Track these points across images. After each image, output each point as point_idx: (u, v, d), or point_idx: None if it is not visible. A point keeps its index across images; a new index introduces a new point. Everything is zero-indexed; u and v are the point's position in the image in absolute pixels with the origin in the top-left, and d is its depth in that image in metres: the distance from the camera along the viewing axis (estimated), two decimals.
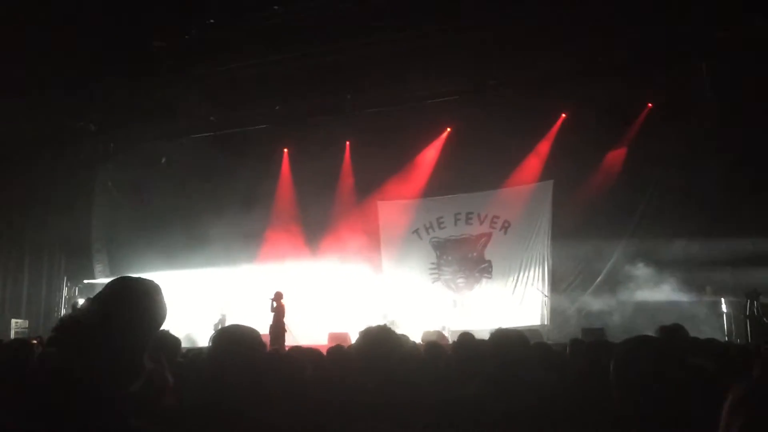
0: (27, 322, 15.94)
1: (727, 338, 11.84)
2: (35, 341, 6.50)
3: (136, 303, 1.88)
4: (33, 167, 14.86)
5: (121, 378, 1.77)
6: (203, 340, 13.63)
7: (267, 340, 13.03)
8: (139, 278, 1.98)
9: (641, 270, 13.44)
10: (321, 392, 2.21)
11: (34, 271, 17.07)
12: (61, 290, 17.19)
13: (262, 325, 13.50)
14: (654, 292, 13.12)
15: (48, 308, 16.93)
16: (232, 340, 2.55)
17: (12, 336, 13.61)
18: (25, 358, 3.90)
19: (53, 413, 1.62)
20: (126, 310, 1.85)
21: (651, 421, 2.17)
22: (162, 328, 4.60)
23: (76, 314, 1.98)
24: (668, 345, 2.42)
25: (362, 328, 3.46)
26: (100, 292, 1.91)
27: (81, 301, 16.19)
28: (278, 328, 13.61)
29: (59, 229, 16.28)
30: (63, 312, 16.46)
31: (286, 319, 14.07)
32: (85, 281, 16.86)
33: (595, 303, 13.77)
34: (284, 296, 14.09)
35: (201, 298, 15.95)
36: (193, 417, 2.19)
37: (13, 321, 15.51)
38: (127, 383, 1.79)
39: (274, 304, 13.79)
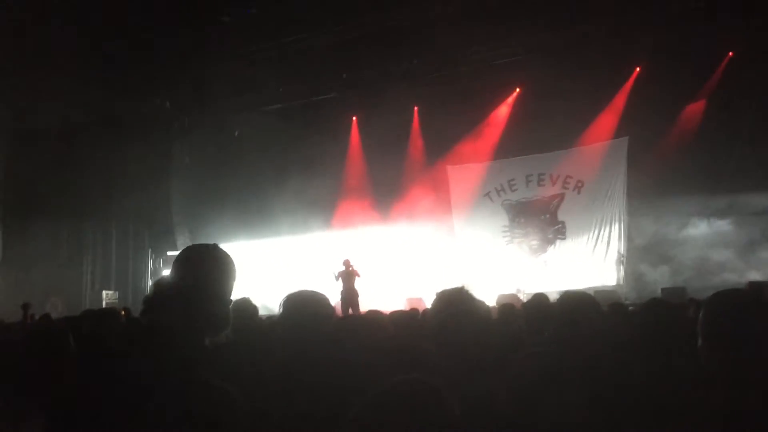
0: (117, 293, 16.79)
1: None
2: (123, 311, 6.86)
3: (209, 266, 1.98)
4: (113, 145, 15.48)
5: (206, 332, 1.88)
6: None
7: (338, 308, 13.43)
8: (206, 244, 2.09)
9: (723, 226, 13.01)
10: (388, 354, 2.26)
11: (121, 246, 17.90)
12: (146, 262, 17.96)
13: (333, 291, 13.86)
14: (737, 248, 12.70)
15: (135, 279, 17.75)
16: (299, 304, 2.64)
17: (103, 306, 14.32)
18: (112, 325, 4.11)
19: (139, 371, 1.73)
20: (199, 272, 1.96)
21: (738, 374, 2.12)
22: (242, 296, 4.79)
23: (161, 287, 2.11)
24: (760, 298, 2.35)
25: (436, 292, 3.50)
26: (175, 262, 2.02)
27: (165, 274, 16.90)
28: (350, 294, 13.93)
29: (142, 203, 16.97)
30: (149, 282, 17.24)
31: (362, 286, 14.36)
32: (169, 253, 17.54)
33: (674, 261, 13.38)
34: (351, 263, 14.38)
35: (276, 266, 16.36)
36: (268, 378, 2.27)
37: (104, 293, 16.35)
38: (210, 336, 1.90)
39: (337, 273, 14.15)
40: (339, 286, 14.13)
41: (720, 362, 2.18)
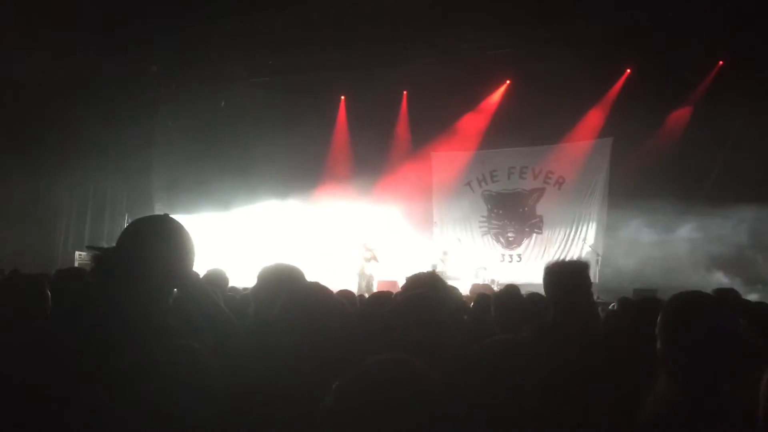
0: (90, 254, 16.57)
1: None
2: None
3: (140, 239, 1.99)
4: (97, 106, 15.26)
5: (146, 305, 1.88)
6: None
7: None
8: (148, 216, 2.10)
9: (701, 233, 13.10)
10: (356, 326, 2.27)
11: (97, 208, 17.70)
12: (122, 226, 17.75)
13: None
14: (712, 255, 12.83)
15: (110, 242, 17.52)
16: (274, 276, 2.63)
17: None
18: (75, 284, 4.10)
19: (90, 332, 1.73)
20: (130, 246, 1.96)
21: (694, 377, 2.12)
22: (216, 267, 4.82)
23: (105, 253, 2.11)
24: (722, 304, 2.35)
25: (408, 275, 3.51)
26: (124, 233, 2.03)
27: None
28: (366, 279, 14.57)
29: (122, 166, 16.79)
30: None
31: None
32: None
33: (649, 264, 13.48)
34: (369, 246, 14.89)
35: (254, 238, 16.31)
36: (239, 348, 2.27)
37: (77, 254, 16.14)
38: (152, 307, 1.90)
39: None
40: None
41: (674, 363, 2.17)
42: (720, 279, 12.08)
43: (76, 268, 6.06)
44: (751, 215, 12.40)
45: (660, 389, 2.22)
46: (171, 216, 2.13)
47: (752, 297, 11.64)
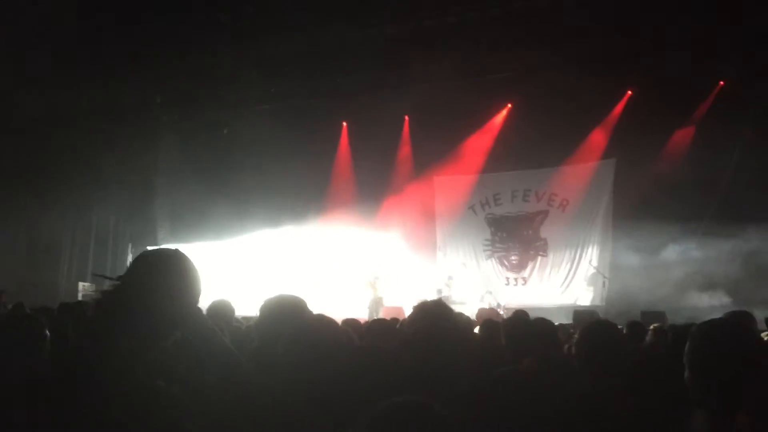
0: (93, 285, 16.54)
1: None
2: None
3: (150, 274, 1.94)
4: (100, 136, 15.34)
5: (147, 341, 1.84)
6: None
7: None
8: (159, 249, 2.05)
9: (706, 253, 13.02)
10: (363, 360, 2.21)
11: (101, 237, 17.66)
12: (125, 255, 17.73)
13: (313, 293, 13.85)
14: (719, 276, 12.73)
15: (113, 272, 17.36)
16: (277, 309, 2.58)
17: (80, 299, 14.15)
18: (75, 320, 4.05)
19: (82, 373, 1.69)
20: (140, 281, 1.92)
21: (724, 404, 2.08)
22: (221, 298, 4.75)
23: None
24: (746, 330, 2.32)
25: (415, 302, 3.46)
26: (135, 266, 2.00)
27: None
28: (375, 304, 14.29)
29: (125, 196, 16.80)
30: None
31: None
32: (149, 247, 17.29)
33: (655, 285, 13.37)
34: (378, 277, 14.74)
35: (260, 266, 16.25)
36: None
37: (81, 284, 16.10)
38: (153, 345, 1.86)
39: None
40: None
41: (704, 393, 2.14)
42: (723, 300, 11.99)
43: (79, 302, 6.01)
44: (756, 236, 12.32)
45: (696, 421, 2.18)
46: (180, 251, 2.09)
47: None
